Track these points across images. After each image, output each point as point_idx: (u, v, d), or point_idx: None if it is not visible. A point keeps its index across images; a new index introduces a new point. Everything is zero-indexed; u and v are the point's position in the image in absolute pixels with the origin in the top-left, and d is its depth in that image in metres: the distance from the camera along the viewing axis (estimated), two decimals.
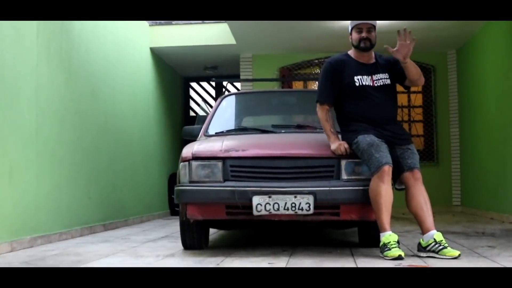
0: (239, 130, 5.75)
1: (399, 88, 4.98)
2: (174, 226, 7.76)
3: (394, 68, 4.80)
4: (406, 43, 4.65)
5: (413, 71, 4.73)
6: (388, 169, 4.47)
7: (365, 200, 4.53)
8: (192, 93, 13.10)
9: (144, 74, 9.74)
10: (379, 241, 4.51)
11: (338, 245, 5.30)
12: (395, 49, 4.67)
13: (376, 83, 4.76)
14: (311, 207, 4.52)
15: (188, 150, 4.90)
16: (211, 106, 11.86)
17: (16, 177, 5.44)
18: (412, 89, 10.36)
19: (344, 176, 4.66)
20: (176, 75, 12.08)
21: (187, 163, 4.78)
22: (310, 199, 4.52)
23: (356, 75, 4.78)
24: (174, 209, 10.40)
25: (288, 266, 4.13)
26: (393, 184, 4.71)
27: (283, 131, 5.56)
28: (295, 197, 4.52)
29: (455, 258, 4.33)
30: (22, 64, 5.63)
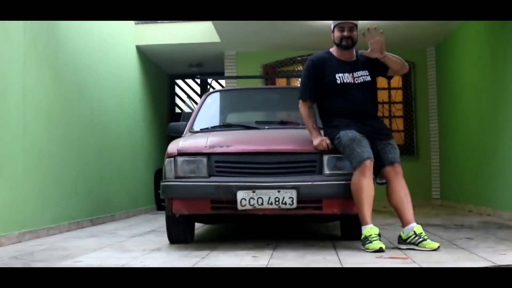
0: (224, 126, 5.84)
1: (380, 84, 5.10)
2: (160, 221, 7.85)
3: (375, 63, 4.90)
4: (376, 39, 4.76)
5: (395, 61, 4.85)
6: (369, 164, 4.58)
7: (347, 194, 4.64)
8: (177, 90, 13.17)
9: (130, 71, 9.81)
10: (360, 234, 4.61)
11: (320, 238, 5.40)
12: (369, 50, 4.79)
13: (356, 80, 4.87)
14: (294, 201, 4.62)
15: (174, 146, 4.98)
16: (196, 103, 11.95)
17: (4, 173, 5.51)
18: (393, 85, 10.55)
19: (326, 171, 4.76)
20: (162, 72, 12.14)
21: (172, 159, 4.86)
22: (293, 193, 4.62)
23: (338, 73, 4.88)
24: (160, 204, 10.48)
25: (272, 258, 4.23)
26: (374, 178, 4.82)
27: (266, 127, 5.66)
28: (279, 191, 4.62)
29: (435, 250, 4.44)
30: (10, 62, 5.70)
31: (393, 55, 4.86)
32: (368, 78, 4.90)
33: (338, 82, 4.86)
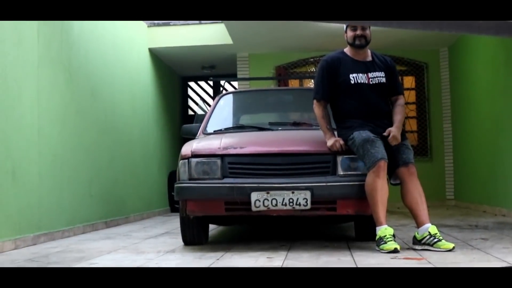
0: (237, 128, 5.85)
1: None
2: (174, 223, 7.86)
3: (388, 76, 4.92)
4: (393, 139, 4.76)
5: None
6: (383, 164, 4.57)
7: (361, 195, 4.64)
8: (190, 92, 13.20)
9: (142, 74, 9.84)
10: (375, 234, 4.61)
11: (335, 239, 5.40)
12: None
13: (371, 80, 4.86)
14: (308, 202, 4.62)
15: (187, 148, 5.00)
16: (209, 105, 11.98)
17: (19, 177, 5.54)
18: (406, 86, 10.52)
19: (340, 171, 4.76)
20: (174, 74, 12.18)
21: (186, 160, 4.88)
22: (307, 194, 4.62)
23: (352, 73, 4.88)
24: (174, 206, 10.51)
25: (286, 259, 4.23)
26: (388, 179, 4.81)
27: (280, 128, 5.66)
28: (293, 192, 4.63)
29: (450, 250, 4.43)
30: (24, 66, 5.74)
31: (400, 120, 4.87)
32: (384, 80, 4.89)
33: (352, 82, 4.85)
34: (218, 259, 4.33)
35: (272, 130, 5.60)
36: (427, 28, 2.76)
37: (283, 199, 4.62)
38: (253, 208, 4.64)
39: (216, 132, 5.71)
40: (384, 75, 4.91)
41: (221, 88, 7.22)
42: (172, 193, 5.13)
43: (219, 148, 4.89)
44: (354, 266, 3.89)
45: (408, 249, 4.63)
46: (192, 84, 13.16)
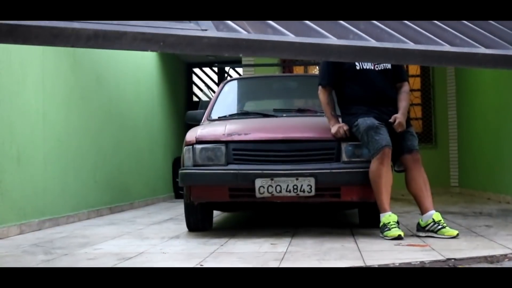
0: (242, 114, 5.85)
1: None
2: (178, 209, 7.88)
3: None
4: (399, 125, 4.74)
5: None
6: (388, 151, 4.57)
7: (365, 181, 4.64)
8: (195, 78, 13.19)
9: (147, 60, 9.83)
10: (379, 221, 4.62)
11: (339, 226, 5.41)
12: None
13: (377, 67, 4.85)
14: (313, 189, 4.63)
15: (192, 134, 5.00)
16: (213, 91, 11.96)
17: (24, 162, 5.55)
18: (411, 72, 10.50)
19: (344, 158, 4.76)
20: (179, 61, 12.16)
21: (191, 147, 4.88)
22: (312, 181, 4.63)
23: None
24: (178, 192, 10.53)
25: (290, 246, 4.24)
26: (393, 166, 4.81)
27: (284, 115, 5.66)
28: (297, 179, 4.63)
29: (454, 237, 4.43)
30: (28, 51, 5.74)
31: (405, 107, 4.85)
32: (389, 66, 4.88)
33: (358, 68, 4.84)
34: (222, 245, 4.35)
35: (276, 116, 5.60)
36: (426, 62, 2.74)
37: (287, 185, 4.63)
38: (257, 195, 4.65)
39: (220, 119, 5.71)
40: None
41: (226, 75, 7.20)
42: (177, 179, 5.14)
43: (223, 134, 4.89)
44: (358, 252, 3.90)
45: (412, 236, 4.63)
46: (197, 70, 13.15)
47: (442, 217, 4.65)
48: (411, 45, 2.34)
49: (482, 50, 2.24)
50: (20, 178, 5.50)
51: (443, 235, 4.47)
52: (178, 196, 10.60)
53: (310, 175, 4.63)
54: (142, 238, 4.90)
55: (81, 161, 6.81)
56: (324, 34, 2.16)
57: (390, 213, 4.56)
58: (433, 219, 4.56)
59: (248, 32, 2.06)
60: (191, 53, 2.01)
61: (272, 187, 4.64)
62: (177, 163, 10.23)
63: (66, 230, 5.70)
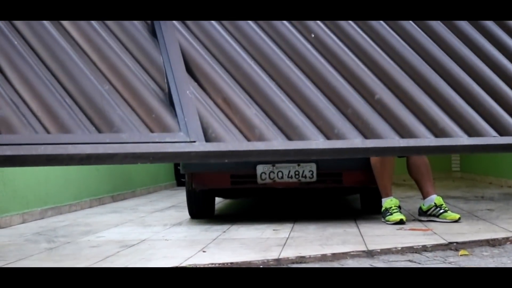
0: None
1: None
2: (180, 197, 7.89)
3: None
4: None
5: None
6: None
7: (367, 167, 4.65)
8: None
9: None
10: (381, 206, 4.63)
11: (341, 212, 5.42)
12: None
13: None
14: (314, 174, 4.64)
15: None
16: None
17: None
18: None
19: None
20: None
21: None
22: (313, 167, 4.63)
23: None
24: (180, 180, 10.54)
25: (292, 231, 4.26)
26: None
27: None
28: (299, 165, 4.64)
29: (455, 221, 4.45)
30: None
31: None
32: None
33: None
34: (224, 232, 4.36)
35: None
36: (405, 153, 2.78)
37: (289, 171, 4.64)
38: (259, 181, 4.66)
39: None
40: None
41: None
42: (178, 167, 5.15)
43: None
44: (360, 237, 3.91)
45: (414, 220, 4.65)
46: None
47: (444, 201, 4.66)
48: (394, 142, 2.43)
49: (462, 140, 2.29)
50: (22, 167, 5.49)
51: (445, 219, 4.48)
52: (180, 183, 10.61)
53: (311, 160, 4.63)
54: (144, 226, 4.91)
55: None
56: (308, 137, 2.27)
57: (392, 197, 4.57)
58: (435, 203, 4.57)
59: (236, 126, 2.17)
60: (178, 162, 2.16)
61: (274, 173, 4.65)
62: None
63: (68, 218, 5.71)
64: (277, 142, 2.27)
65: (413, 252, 3.47)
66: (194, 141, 2.18)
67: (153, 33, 2.28)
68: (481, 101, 2.44)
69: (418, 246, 3.54)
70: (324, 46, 2.38)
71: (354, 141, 2.37)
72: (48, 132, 2.01)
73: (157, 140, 2.08)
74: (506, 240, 3.68)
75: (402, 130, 2.49)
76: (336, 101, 2.32)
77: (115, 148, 2.01)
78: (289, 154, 2.25)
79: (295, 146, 2.32)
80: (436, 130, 2.44)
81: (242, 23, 2.42)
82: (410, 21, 2.47)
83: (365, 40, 2.45)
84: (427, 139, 2.52)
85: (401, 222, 4.40)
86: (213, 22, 2.39)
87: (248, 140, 2.25)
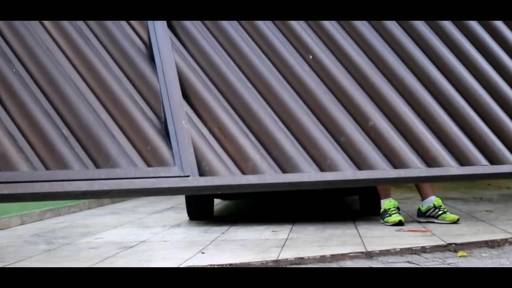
0: None
1: None
2: (178, 198, 7.88)
3: None
4: None
5: None
6: None
7: None
8: None
9: None
10: (379, 208, 4.63)
11: (339, 213, 5.42)
12: None
13: None
14: None
15: None
16: None
17: None
18: None
19: None
20: None
21: None
22: None
23: None
24: None
25: (291, 232, 4.26)
26: None
27: None
28: None
29: (454, 222, 4.45)
30: None
31: None
32: None
33: None
34: (223, 233, 4.36)
35: None
36: (396, 183, 2.82)
37: None
38: None
39: None
40: None
41: None
42: None
43: None
44: (359, 238, 3.91)
45: (412, 221, 4.65)
46: None
47: (443, 203, 4.67)
48: (384, 173, 2.48)
49: (452, 170, 2.33)
50: None
51: (444, 220, 4.49)
52: None
53: None
54: (143, 227, 4.91)
55: None
56: (301, 168, 2.33)
57: (390, 199, 4.57)
58: (433, 204, 4.57)
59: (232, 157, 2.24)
60: (172, 195, 2.21)
61: None
62: None
63: (67, 220, 5.71)
64: (270, 176, 2.34)
65: (411, 253, 3.47)
66: (188, 176, 2.24)
67: (150, 55, 2.29)
68: (473, 126, 2.46)
69: (417, 247, 3.54)
70: (321, 69, 2.40)
71: (346, 173, 2.45)
72: (44, 164, 2.04)
73: (151, 175, 2.14)
74: (504, 241, 3.68)
75: (394, 159, 2.55)
76: (331, 127, 2.36)
77: (110, 184, 2.07)
78: (281, 186, 2.32)
79: (287, 179, 2.39)
80: (428, 159, 2.50)
81: (240, 44, 2.44)
82: (410, 42, 2.48)
83: (363, 63, 2.46)
84: (417, 170, 2.58)
85: (400, 223, 4.40)
86: (211, 42, 2.41)
87: (242, 171, 2.31)
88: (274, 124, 2.32)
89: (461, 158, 2.46)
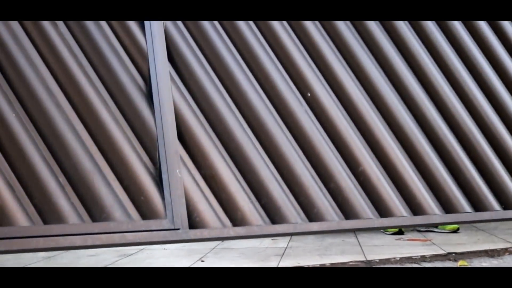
0: None
1: None
2: None
3: None
4: None
5: None
6: None
7: None
8: None
9: None
10: None
11: None
12: None
13: None
14: None
15: None
16: None
17: None
18: None
19: None
20: None
21: None
22: None
23: None
24: None
25: (291, 241, 4.25)
26: None
27: None
28: None
29: (454, 231, 4.45)
30: None
31: None
32: None
33: None
34: (223, 241, 4.34)
35: None
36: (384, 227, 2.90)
37: None
38: None
39: None
40: None
41: None
42: None
43: None
44: (359, 247, 3.91)
45: (412, 230, 4.64)
46: None
47: None
48: (369, 222, 2.59)
49: (435, 218, 2.48)
50: None
51: (444, 229, 4.48)
52: None
53: None
54: None
55: None
56: (288, 218, 2.45)
57: None
58: None
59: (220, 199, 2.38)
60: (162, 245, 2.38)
61: None
62: None
63: None
64: (257, 228, 2.43)
65: (411, 262, 3.47)
66: (178, 229, 2.31)
67: (149, 93, 2.29)
68: (463, 169, 2.47)
69: (417, 256, 3.53)
70: (318, 106, 2.40)
71: (331, 224, 2.53)
72: (41, 216, 2.09)
73: (143, 229, 2.21)
74: (505, 250, 3.67)
75: (380, 206, 2.60)
76: (322, 172, 2.40)
77: (103, 239, 2.15)
78: (268, 236, 2.42)
79: (274, 231, 2.48)
80: (413, 205, 2.54)
81: (237, 78, 2.44)
82: (408, 78, 2.49)
83: (359, 102, 2.47)
84: (400, 218, 2.64)
85: (399, 232, 4.40)
86: (211, 78, 2.41)
87: (231, 220, 2.39)
88: (266, 169, 2.36)
89: (446, 204, 2.49)
